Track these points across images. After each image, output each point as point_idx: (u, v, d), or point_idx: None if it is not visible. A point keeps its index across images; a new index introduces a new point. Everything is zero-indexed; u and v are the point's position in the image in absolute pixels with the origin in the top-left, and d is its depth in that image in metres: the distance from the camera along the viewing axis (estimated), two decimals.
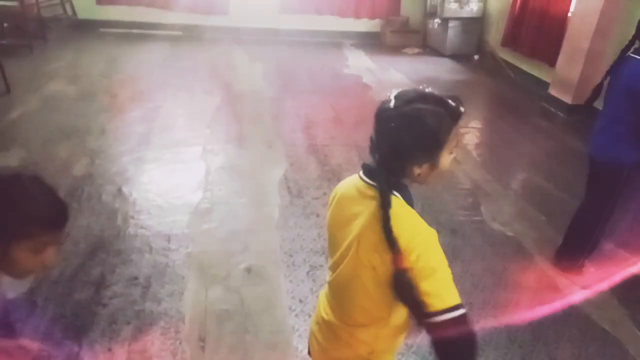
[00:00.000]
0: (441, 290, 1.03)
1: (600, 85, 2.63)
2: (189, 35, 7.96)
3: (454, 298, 1.03)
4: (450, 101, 1.09)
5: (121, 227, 3.10)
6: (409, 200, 1.13)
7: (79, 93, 5.29)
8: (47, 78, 5.66)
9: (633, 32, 2.42)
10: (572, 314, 2.62)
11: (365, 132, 5.06)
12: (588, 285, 2.77)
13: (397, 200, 1.09)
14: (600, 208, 2.68)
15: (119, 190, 3.49)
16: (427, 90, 1.12)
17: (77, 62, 6.35)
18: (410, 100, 1.07)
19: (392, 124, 1.06)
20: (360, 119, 5.12)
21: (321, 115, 5.17)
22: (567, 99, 5.45)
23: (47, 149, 4.01)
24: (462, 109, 1.09)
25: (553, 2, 6.00)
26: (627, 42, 2.45)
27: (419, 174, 1.09)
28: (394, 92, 1.11)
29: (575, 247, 2.87)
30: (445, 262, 1.07)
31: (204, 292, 2.61)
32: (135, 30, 7.87)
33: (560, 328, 2.52)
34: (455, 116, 1.08)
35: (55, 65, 6.14)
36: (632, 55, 2.36)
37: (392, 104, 1.08)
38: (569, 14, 5.73)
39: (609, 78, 2.53)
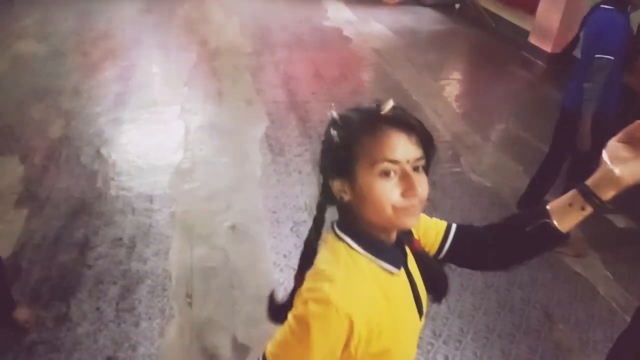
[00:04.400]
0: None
1: (577, 35, 2.67)
2: None
3: None
4: (366, 105, 0.84)
5: (102, 189, 3.08)
6: (385, 254, 0.85)
7: (49, 52, 5.09)
8: (15, 37, 5.43)
9: None
10: (545, 258, 2.73)
11: (346, 87, 4.95)
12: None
13: (334, 242, 0.85)
14: (563, 154, 2.79)
15: (98, 151, 3.44)
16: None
17: (46, 20, 6.07)
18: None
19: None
20: (341, 74, 5.05)
21: (301, 70, 5.09)
22: (547, 48, 5.43)
23: (20, 111, 3.90)
24: (381, 108, 0.81)
25: None
26: None
27: (343, 196, 0.83)
28: None
29: (538, 192, 2.99)
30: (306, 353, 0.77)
31: (189, 250, 2.65)
32: None
33: (535, 272, 2.64)
34: (366, 119, 0.81)
35: (22, 24, 5.87)
36: (602, 5, 2.44)
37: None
38: None
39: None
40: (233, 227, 2.83)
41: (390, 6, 7.75)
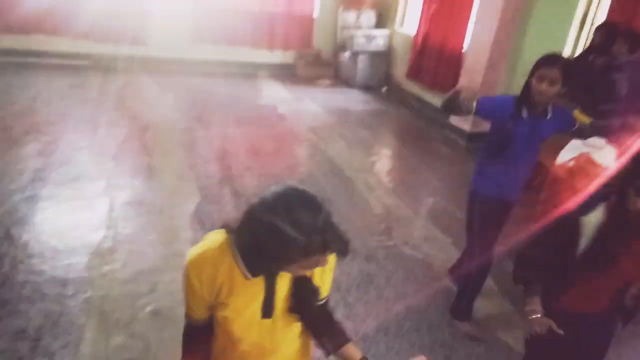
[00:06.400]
0: None
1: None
2: (96, 64, 7.55)
3: None
4: (313, 234, 1.02)
5: (8, 273, 2.77)
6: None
7: None
8: None
9: (521, 67, 2.64)
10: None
11: (281, 162, 4.96)
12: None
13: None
14: (471, 232, 2.82)
15: (7, 232, 3.14)
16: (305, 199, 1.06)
17: None
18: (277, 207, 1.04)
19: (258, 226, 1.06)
20: (275, 149, 5.11)
21: (236, 145, 5.10)
22: (466, 127, 5.87)
23: None
24: (329, 250, 1.07)
25: (449, 38, 6.51)
26: None
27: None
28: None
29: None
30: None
31: (104, 341, 2.39)
32: (32, 59, 7.32)
33: (469, 347, 2.62)
34: (311, 248, 1.03)
35: None
36: None
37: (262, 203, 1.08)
38: (464, 50, 6.24)
39: None
40: (156, 312, 2.62)
41: (322, 87, 8.16)
